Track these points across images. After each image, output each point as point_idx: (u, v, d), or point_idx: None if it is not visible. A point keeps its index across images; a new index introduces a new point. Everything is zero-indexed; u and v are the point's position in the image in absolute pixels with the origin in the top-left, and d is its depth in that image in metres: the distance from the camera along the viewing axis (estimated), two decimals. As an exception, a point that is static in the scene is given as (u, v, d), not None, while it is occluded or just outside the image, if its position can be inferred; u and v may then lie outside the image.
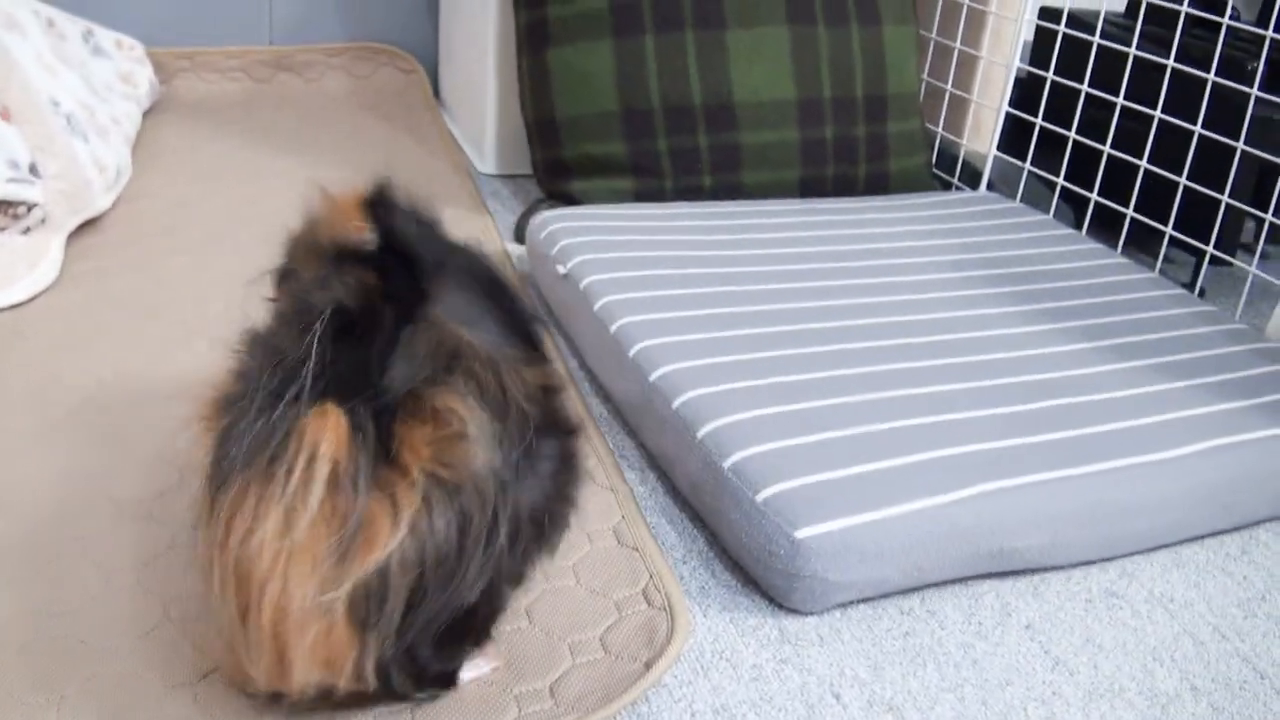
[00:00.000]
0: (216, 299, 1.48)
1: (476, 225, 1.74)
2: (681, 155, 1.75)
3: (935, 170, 2.05)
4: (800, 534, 1.01)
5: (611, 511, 1.13)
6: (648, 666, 0.94)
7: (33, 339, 1.38)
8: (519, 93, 1.80)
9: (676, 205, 1.67)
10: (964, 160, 2.05)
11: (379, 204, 0.88)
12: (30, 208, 1.54)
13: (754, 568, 1.06)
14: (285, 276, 0.99)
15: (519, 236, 1.73)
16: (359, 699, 0.85)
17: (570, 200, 1.74)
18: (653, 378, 1.22)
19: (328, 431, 0.73)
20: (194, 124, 2.12)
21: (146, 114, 2.09)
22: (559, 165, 1.76)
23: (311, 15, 2.37)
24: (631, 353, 1.27)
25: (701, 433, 1.13)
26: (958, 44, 2.05)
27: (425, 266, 0.81)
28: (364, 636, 0.76)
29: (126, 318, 1.43)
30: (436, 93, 2.38)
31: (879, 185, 1.91)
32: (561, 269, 1.45)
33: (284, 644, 0.75)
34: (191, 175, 1.88)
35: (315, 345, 0.75)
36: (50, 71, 1.72)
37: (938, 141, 2.09)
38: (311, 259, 0.92)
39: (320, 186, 1.01)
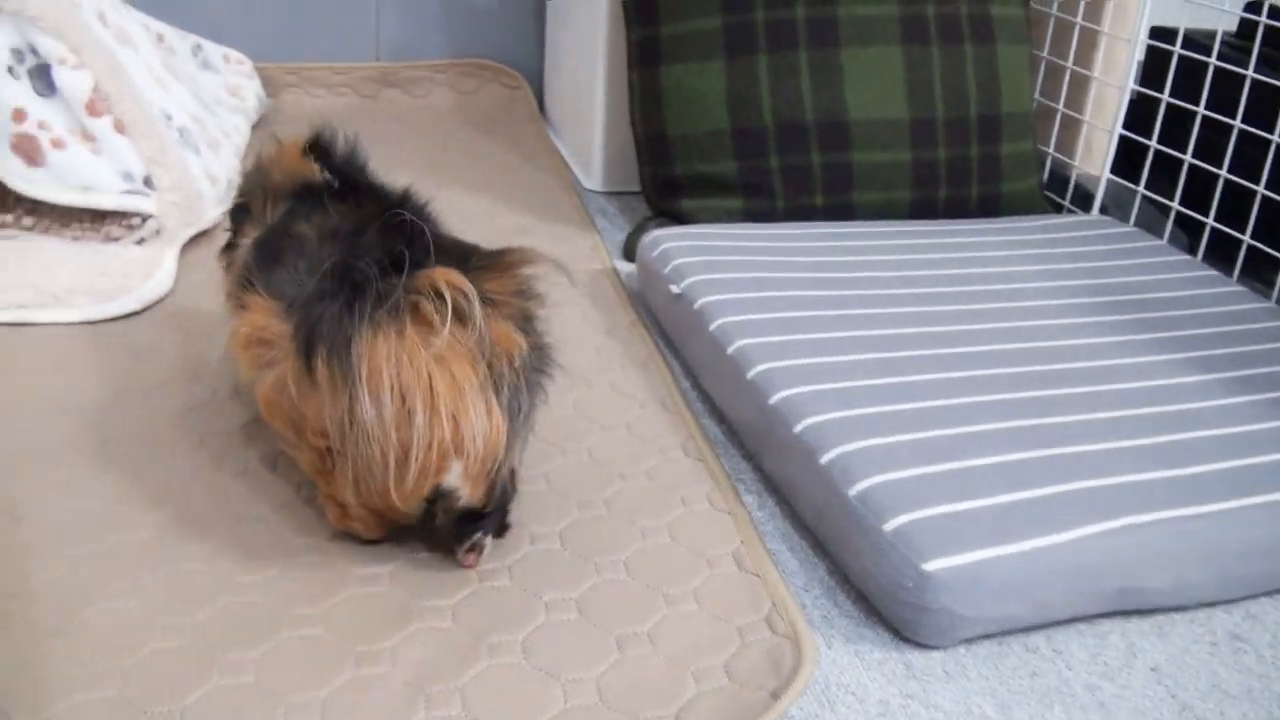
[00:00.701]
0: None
1: (585, 242, 1.73)
2: (793, 174, 1.73)
3: (1046, 193, 2.01)
4: (929, 566, 0.99)
5: (730, 536, 1.11)
6: (774, 696, 0.92)
7: (146, 350, 1.39)
8: (629, 110, 1.79)
9: (789, 225, 1.65)
10: (1075, 183, 2.00)
11: (321, 147, 1.17)
12: (144, 219, 1.56)
13: (879, 599, 1.04)
14: (239, 212, 1.19)
15: (628, 254, 1.72)
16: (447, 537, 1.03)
17: (679, 219, 1.73)
18: (773, 400, 1.20)
19: (452, 275, 0.92)
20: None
21: (254, 127, 2.10)
22: (669, 183, 1.75)
23: (418, 32, 2.39)
24: (750, 375, 1.25)
25: (825, 459, 1.11)
26: (1070, 64, 2.01)
27: (391, 197, 1.11)
28: (511, 431, 0.95)
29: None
30: (541, 108, 2.38)
31: (991, 207, 1.87)
32: (675, 288, 1.44)
33: (459, 441, 0.92)
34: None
35: (396, 239, 0.97)
36: (162, 85, 1.74)
37: (1049, 163, 2.06)
38: (264, 196, 1.15)
39: (272, 135, 1.26)
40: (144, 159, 1.56)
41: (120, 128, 1.55)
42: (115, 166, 1.55)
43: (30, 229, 1.58)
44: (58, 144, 1.54)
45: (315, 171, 1.15)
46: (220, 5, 2.29)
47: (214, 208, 1.67)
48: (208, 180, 1.66)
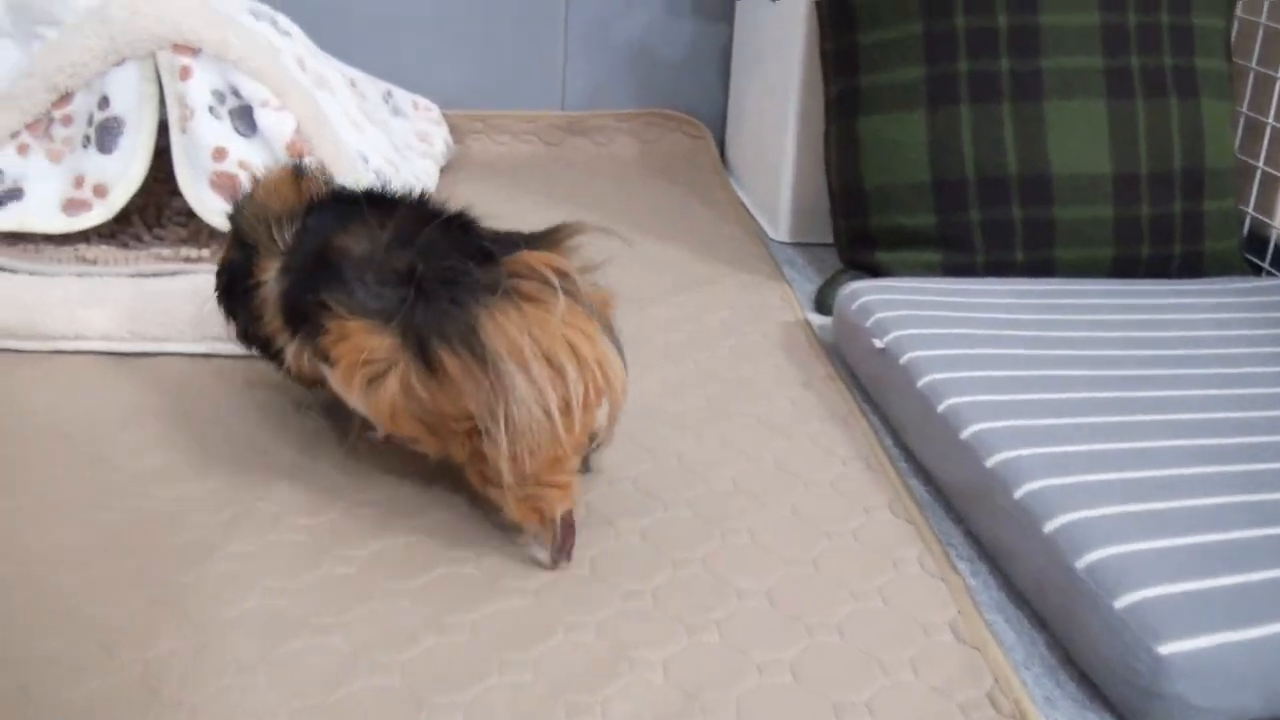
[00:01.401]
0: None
1: (774, 292, 1.70)
2: (994, 229, 1.67)
3: (1245, 254, 1.92)
4: (1165, 649, 0.92)
5: (945, 605, 1.06)
6: (1004, 780, 0.86)
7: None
8: (825, 160, 1.76)
9: (992, 281, 1.59)
10: (1276, 244, 1.90)
11: (304, 171, 1.27)
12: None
13: (1107, 681, 0.97)
14: (243, 249, 1.24)
15: (821, 306, 1.67)
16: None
17: (874, 272, 1.68)
18: (990, 463, 1.15)
19: (542, 256, 1.05)
20: (488, 183, 2.15)
21: (442, 172, 2.12)
22: (864, 235, 1.70)
23: (604, 82, 2.39)
24: (964, 435, 1.19)
25: (1050, 527, 1.05)
26: (1271, 120, 1.92)
27: (420, 203, 1.19)
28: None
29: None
30: (723, 158, 2.36)
31: (1192, 267, 1.78)
32: (878, 343, 1.39)
33: (609, 382, 1.05)
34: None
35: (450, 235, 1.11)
36: (358, 128, 1.76)
37: (1247, 223, 1.96)
38: (269, 226, 1.20)
39: (254, 170, 1.36)
40: (348, 196, 1.57)
41: (320, 168, 1.56)
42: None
43: (229, 264, 1.60)
44: (260, 182, 1.56)
45: (318, 190, 1.25)
46: (410, 53, 2.33)
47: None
48: (404, 221, 1.67)
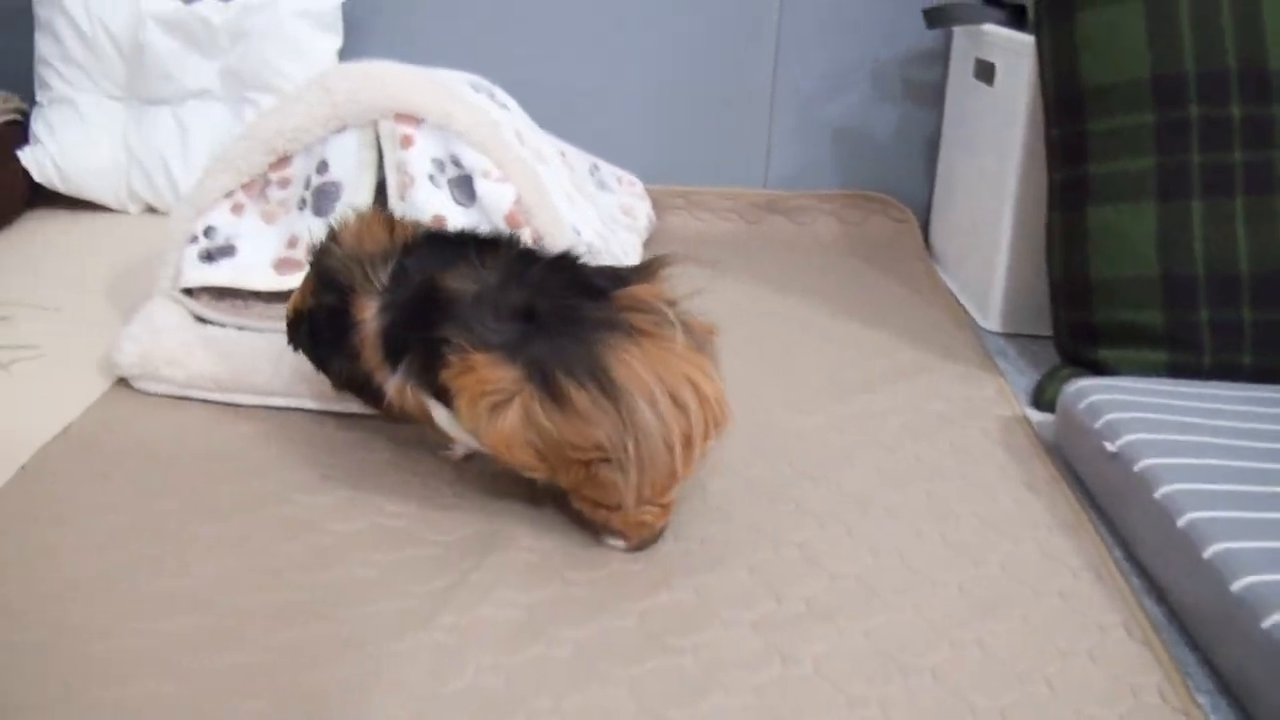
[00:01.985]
0: (733, 433, 1.42)
1: (989, 385, 1.63)
2: (1223, 329, 1.59)
3: None
4: None
5: (1190, 740, 0.98)
6: None
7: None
8: (1046, 250, 1.69)
9: (1228, 386, 1.50)
10: None
11: (392, 215, 1.34)
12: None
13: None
14: (333, 290, 1.29)
15: (1039, 402, 1.60)
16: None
17: (1095, 368, 1.61)
18: (1235, 587, 1.06)
19: (649, 290, 1.14)
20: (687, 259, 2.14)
21: (644, 246, 2.11)
22: (1086, 329, 1.63)
23: (808, 162, 2.37)
24: (1207, 554, 1.11)
25: (1311, 661, 0.97)
26: None
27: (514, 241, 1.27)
28: None
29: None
30: (927, 243, 2.31)
31: None
32: (1109, 446, 1.32)
33: (721, 416, 1.14)
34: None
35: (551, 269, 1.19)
36: (570, 200, 1.76)
37: None
38: (362, 267, 1.26)
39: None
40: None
41: (537, 239, 1.56)
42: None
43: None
44: (476, 251, 1.56)
45: (412, 232, 1.30)
46: (616, 128, 2.34)
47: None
48: (611, 295, 1.66)
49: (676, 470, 1.11)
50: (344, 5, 2.31)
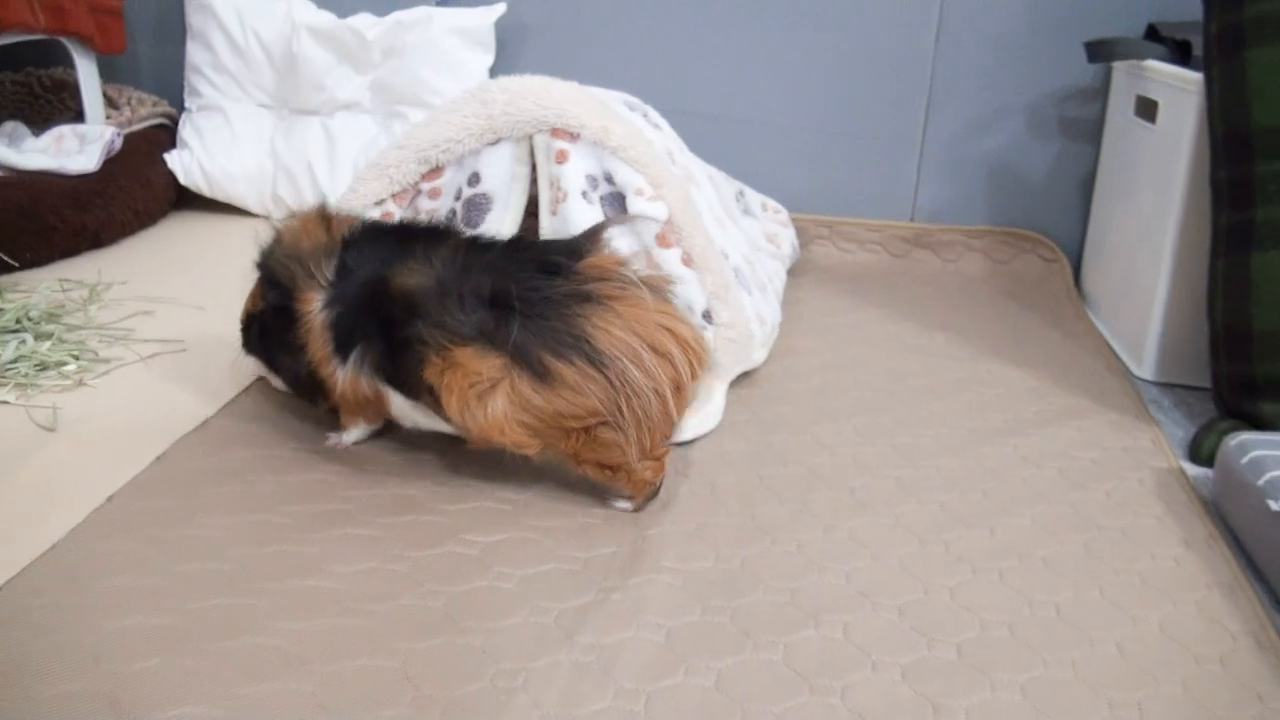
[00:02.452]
0: (883, 471, 1.42)
1: (1144, 435, 1.57)
2: (1397, 389, 1.51)
3: None
4: None
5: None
6: None
7: (695, 479, 1.37)
8: (1208, 297, 1.63)
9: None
10: None
11: (329, 213, 1.38)
12: (699, 352, 1.55)
13: None
14: (275, 288, 1.34)
15: (1195, 455, 1.54)
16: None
17: (1256, 423, 1.54)
18: None
19: (607, 259, 1.23)
20: (832, 290, 2.11)
21: (788, 275, 2.09)
22: (1247, 382, 1.57)
23: (957, 196, 2.32)
24: (1387, 624, 1.05)
25: None
26: None
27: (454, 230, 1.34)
28: None
29: (789, 476, 1.39)
30: (1078, 284, 2.24)
31: None
32: (1273, 504, 1.26)
33: (704, 355, 1.24)
34: (834, 340, 1.84)
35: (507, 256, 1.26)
36: (720, 224, 1.74)
37: None
38: (304, 264, 1.30)
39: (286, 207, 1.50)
40: (707, 293, 1.55)
41: (688, 261, 1.55)
42: (679, 298, 1.55)
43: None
44: (625, 269, 1.56)
45: (348, 228, 1.34)
46: (762, 154, 2.32)
47: (759, 349, 1.64)
48: (757, 321, 1.64)
49: (672, 416, 1.20)
50: (496, 23, 2.32)
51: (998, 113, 2.28)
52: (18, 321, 1.69)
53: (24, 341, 1.62)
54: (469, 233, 1.33)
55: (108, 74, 2.55)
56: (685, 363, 1.20)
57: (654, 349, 1.18)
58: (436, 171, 1.65)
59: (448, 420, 1.24)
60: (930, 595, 1.17)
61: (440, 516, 1.27)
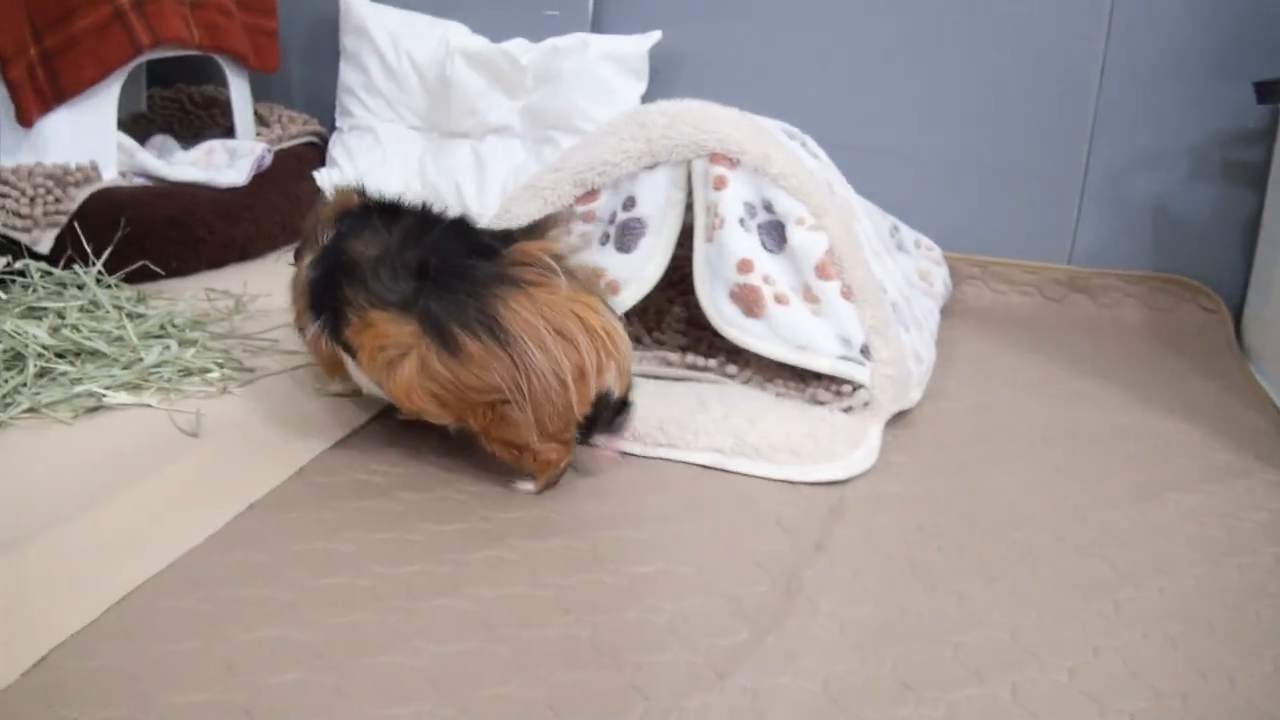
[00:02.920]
0: (1043, 522, 1.35)
1: (1320, 497, 1.48)
2: None
3: None
4: None
5: None
6: None
7: (851, 521, 1.32)
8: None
9: None
10: None
11: (363, 191, 1.45)
12: (855, 388, 1.49)
13: None
14: (304, 246, 1.45)
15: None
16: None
17: None
18: None
19: (535, 245, 1.26)
20: (984, 332, 2.04)
21: (941, 314, 2.02)
22: None
23: (1117, 240, 2.23)
24: None
25: None
26: None
27: (422, 210, 1.38)
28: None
29: (946, 523, 1.33)
30: (1238, 336, 2.14)
31: None
32: None
33: (614, 347, 1.24)
34: (989, 383, 1.77)
35: (446, 232, 1.32)
36: (877, 258, 1.69)
37: None
38: (317, 230, 1.41)
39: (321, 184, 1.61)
40: (865, 327, 1.50)
41: (847, 294, 1.50)
42: (835, 330, 1.50)
43: (732, 377, 1.55)
44: (780, 299, 1.50)
45: (353, 201, 1.42)
46: (915, 189, 2.26)
47: (915, 388, 1.59)
48: (914, 359, 1.58)
49: (572, 403, 1.22)
50: (650, 51, 2.30)
51: (1161, 153, 2.20)
52: (162, 328, 1.70)
53: (168, 347, 1.62)
54: (432, 211, 1.39)
55: (260, 92, 2.58)
56: (591, 350, 1.22)
57: (560, 333, 1.21)
58: (592, 194, 1.62)
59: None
60: (1100, 657, 1.09)
61: (586, 543, 1.23)
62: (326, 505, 1.28)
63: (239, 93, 2.42)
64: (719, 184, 1.53)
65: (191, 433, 1.42)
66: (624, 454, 1.43)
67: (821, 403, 1.49)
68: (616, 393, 1.28)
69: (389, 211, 1.38)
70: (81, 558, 1.14)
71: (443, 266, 1.25)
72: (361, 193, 1.45)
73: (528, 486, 1.32)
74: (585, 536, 1.24)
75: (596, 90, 2.26)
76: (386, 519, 1.26)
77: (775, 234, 1.53)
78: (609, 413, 1.29)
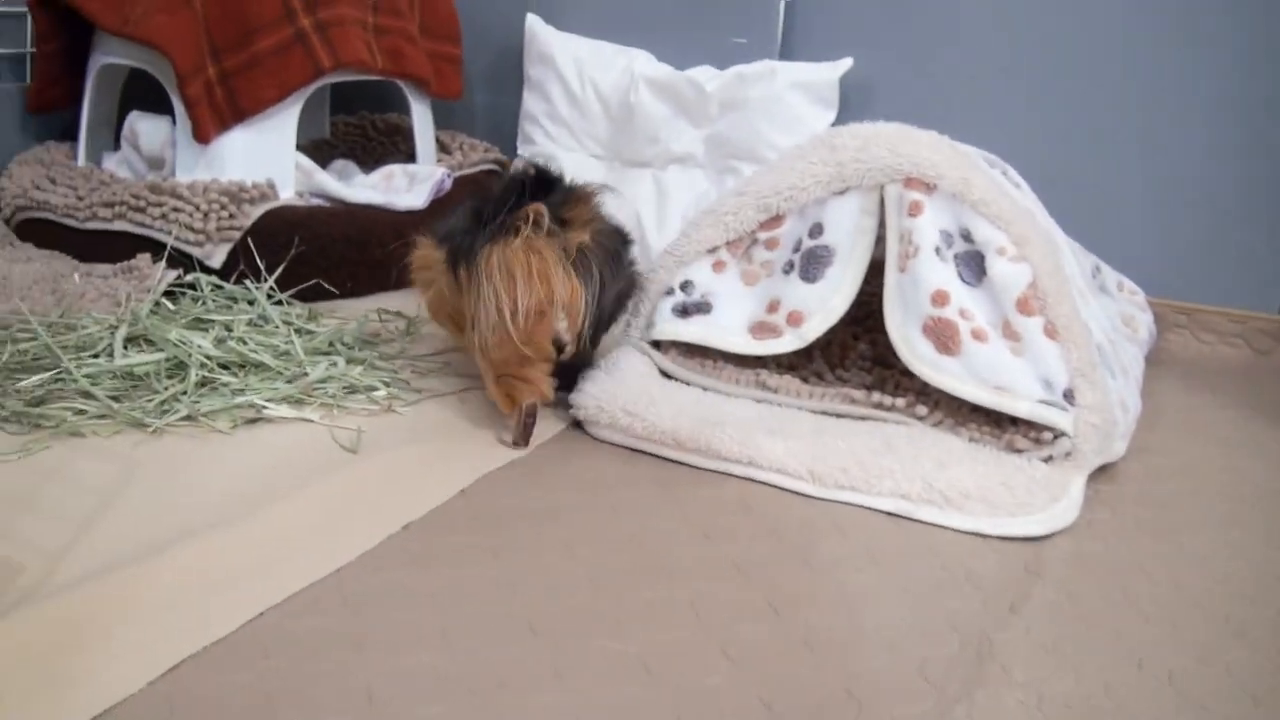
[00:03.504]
0: (1262, 599, 1.20)
1: None
2: None
3: None
4: None
5: None
6: None
7: (1050, 582, 1.20)
8: None
9: None
10: None
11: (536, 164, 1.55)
12: (1056, 436, 1.36)
13: None
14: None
15: None
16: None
17: None
18: None
19: (538, 206, 1.39)
20: (1190, 383, 1.89)
21: (1145, 361, 1.87)
22: None
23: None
24: None
25: None
26: None
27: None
28: (586, 295, 1.41)
29: (1154, 592, 1.19)
30: None
31: None
32: None
33: (550, 294, 1.38)
34: (1196, 439, 1.63)
35: (512, 191, 1.45)
36: (1082, 297, 1.56)
37: None
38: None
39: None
40: (1070, 370, 1.37)
41: (1050, 331, 1.38)
42: (1036, 371, 1.37)
43: (922, 419, 1.44)
44: (978, 335, 1.39)
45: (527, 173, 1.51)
46: (1120, 230, 2.11)
47: (1120, 439, 1.45)
48: (1120, 408, 1.44)
49: (511, 334, 1.36)
50: (841, 79, 2.21)
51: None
52: (330, 345, 1.66)
53: (335, 363, 1.58)
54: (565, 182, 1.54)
55: (442, 120, 2.57)
56: (526, 292, 1.36)
57: (508, 272, 1.36)
58: (776, 220, 1.54)
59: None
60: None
61: (759, 590, 1.14)
62: (487, 529, 1.21)
63: (421, 119, 2.40)
64: (914, 210, 1.43)
65: (351, 449, 1.37)
66: (801, 495, 1.33)
67: (1019, 450, 1.37)
68: (566, 341, 1.43)
69: (542, 182, 1.52)
70: (226, 568, 1.10)
71: (488, 215, 1.41)
72: (536, 167, 1.55)
73: (505, 438, 1.46)
74: (758, 581, 1.15)
75: (783, 119, 2.18)
76: (549, 548, 1.19)
77: (973, 265, 1.42)
78: (564, 373, 1.49)
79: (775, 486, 1.36)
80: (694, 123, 2.29)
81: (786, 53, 2.32)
